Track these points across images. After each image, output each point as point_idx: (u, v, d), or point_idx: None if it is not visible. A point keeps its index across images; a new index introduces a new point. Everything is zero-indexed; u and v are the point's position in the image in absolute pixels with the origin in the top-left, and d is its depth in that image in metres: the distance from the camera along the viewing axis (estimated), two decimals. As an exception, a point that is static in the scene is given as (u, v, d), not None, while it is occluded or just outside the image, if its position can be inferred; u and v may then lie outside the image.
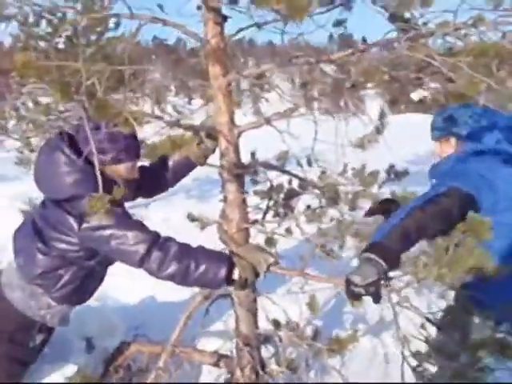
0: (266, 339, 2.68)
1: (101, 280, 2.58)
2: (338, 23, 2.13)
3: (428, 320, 2.18)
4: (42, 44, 5.17)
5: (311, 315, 3.08)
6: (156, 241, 2.15)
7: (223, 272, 2.11)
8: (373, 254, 1.96)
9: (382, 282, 1.98)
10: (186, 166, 2.58)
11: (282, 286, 3.92)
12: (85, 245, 2.23)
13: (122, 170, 2.29)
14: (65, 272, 2.34)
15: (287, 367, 2.47)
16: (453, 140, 2.46)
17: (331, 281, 2.18)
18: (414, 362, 2.20)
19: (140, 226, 2.20)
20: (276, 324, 2.68)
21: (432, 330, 2.27)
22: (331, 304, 3.93)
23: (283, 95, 2.22)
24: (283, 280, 3.88)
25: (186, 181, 2.94)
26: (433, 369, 2.23)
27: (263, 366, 2.44)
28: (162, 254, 2.12)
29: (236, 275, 2.15)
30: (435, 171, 2.52)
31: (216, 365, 2.60)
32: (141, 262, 2.13)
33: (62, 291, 2.37)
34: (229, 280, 2.15)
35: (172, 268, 2.11)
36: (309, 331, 2.89)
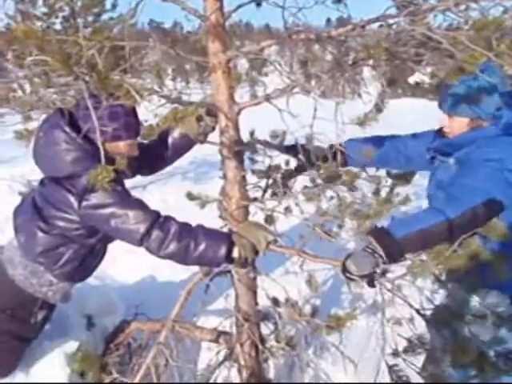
0: (266, 316, 2.71)
1: (101, 257, 2.59)
2: (338, 0, 2.12)
3: (418, 312, 2.20)
4: (39, 24, 5.16)
5: (310, 293, 3.12)
6: (156, 220, 2.15)
7: (223, 251, 2.12)
8: (380, 246, 1.96)
9: (378, 271, 2.01)
10: (186, 144, 2.58)
11: (281, 265, 3.95)
12: (85, 223, 2.23)
13: (121, 147, 2.28)
14: (66, 250, 2.35)
15: (286, 343, 2.50)
16: (470, 121, 2.28)
17: (328, 262, 2.20)
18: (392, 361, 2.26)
19: (140, 205, 2.20)
20: (275, 302, 2.71)
21: (420, 325, 2.31)
22: (330, 283, 3.96)
23: (282, 71, 2.21)
24: (282, 259, 3.91)
25: (182, 163, 2.93)
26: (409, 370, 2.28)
27: (262, 342, 2.47)
28: (163, 233, 2.12)
29: (236, 253, 2.16)
30: (445, 146, 2.39)
31: (216, 341, 2.62)
32: (141, 241, 2.14)
33: (63, 269, 2.38)
34: (229, 258, 2.16)
35: (172, 247, 2.12)
36: (308, 309, 2.92)
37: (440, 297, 2.53)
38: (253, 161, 2.95)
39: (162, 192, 6.12)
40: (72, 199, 2.17)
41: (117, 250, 2.72)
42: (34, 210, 2.35)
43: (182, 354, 2.48)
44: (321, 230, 2.44)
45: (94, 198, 2.12)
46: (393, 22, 1.85)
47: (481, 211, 1.99)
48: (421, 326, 2.31)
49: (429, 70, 2.25)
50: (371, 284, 1.97)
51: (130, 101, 1.42)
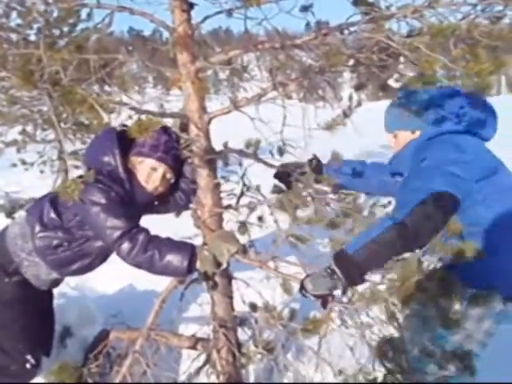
0: (243, 321, 2.72)
1: (85, 267, 2.64)
2: (304, 8, 2.16)
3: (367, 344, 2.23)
4: (13, 36, 5.13)
5: (288, 298, 3.14)
6: (129, 231, 2.26)
7: (185, 263, 2.20)
8: (338, 267, 1.99)
9: (334, 293, 2.05)
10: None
11: (258, 271, 3.96)
12: (77, 210, 2.40)
13: (139, 164, 2.47)
14: (52, 227, 2.50)
15: (264, 348, 2.51)
16: (410, 134, 2.44)
17: (288, 277, 2.23)
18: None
19: (122, 215, 2.30)
20: (252, 307, 2.73)
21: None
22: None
23: (252, 80, 2.25)
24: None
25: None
26: None
27: (239, 348, 2.49)
28: (131, 243, 2.23)
29: (198, 265, 2.23)
30: (397, 163, 2.53)
31: (194, 348, 2.63)
32: (112, 245, 2.27)
33: (43, 241, 2.50)
34: (192, 270, 2.24)
35: (138, 257, 2.23)
36: (285, 313, 2.94)
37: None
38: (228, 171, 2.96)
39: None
40: None
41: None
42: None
43: (161, 362, 2.49)
44: (293, 238, 2.46)
45: (92, 194, 2.27)
46: (353, 29, 1.89)
47: (430, 208, 1.98)
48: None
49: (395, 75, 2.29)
50: (324, 305, 2.00)
51: (95, 114, 1.45)
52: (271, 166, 2.58)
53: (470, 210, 2.15)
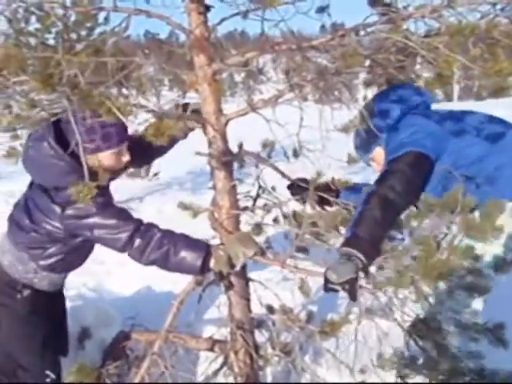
0: (260, 323, 2.72)
1: (87, 254, 2.63)
2: (321, 9, 2.15)
3: (399, 325, 2.21)
4: (32, 40, 5.19)
5: (305, 299, 3.13)
6: (138, 228, 2.22)
7: (199, 261, 2.19)
8: (351, 248, 1.98)
9: (362, 277, 2.01)
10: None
11: (276, 271, 3.95)
12: (69, 231, 2.30)
13: (103, 158, 2.29)
14: (50, 246, 2.41)
15: (281, 350, 2.51)
16: (381, 148, 2.58)
17: (309, 273, 2.21)
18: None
19: (122, 214, 2.27)
20: (270, 309, 2.73)
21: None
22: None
23: (268, 81, 2.24)
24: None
25: (179, 173, 2.93)
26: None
27: (257, 350, 2.48)
28: (144, 241, 2.20)
29: (212, 264, 2.21)
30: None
31: (211, 350, 2.64)
32: (123, 249, 2.23)
33: (46, 261, 2.43)
34: (206, 269, 2.22)
35: (153, 255, 2.20)
36: (303, 315, 2.93)
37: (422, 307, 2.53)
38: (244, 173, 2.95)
39: (159, 203, 6.15)
40: (56, 209, 2.24)
41: (111, 262, 2.75)
42: (24, 209, 2.42)
43: (178, 364, 2.49)
44: (312, 236, 2.45)
45: (76, 209, 2.19)
46: (371, 30, 1.88)
47: (396, 165, 2.19)
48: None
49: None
50: (353, 295, 1.96)
51: (113, 117, 1.45)
52: (283, 174, 2.58)
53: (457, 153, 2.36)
